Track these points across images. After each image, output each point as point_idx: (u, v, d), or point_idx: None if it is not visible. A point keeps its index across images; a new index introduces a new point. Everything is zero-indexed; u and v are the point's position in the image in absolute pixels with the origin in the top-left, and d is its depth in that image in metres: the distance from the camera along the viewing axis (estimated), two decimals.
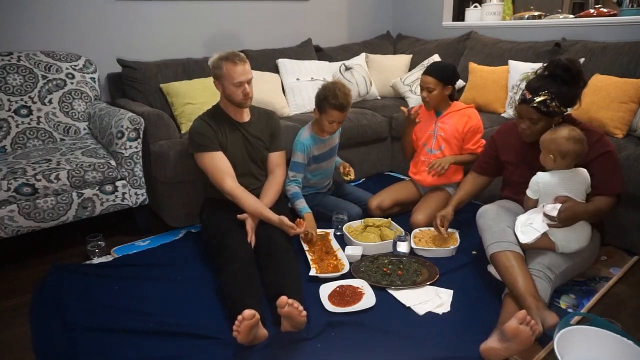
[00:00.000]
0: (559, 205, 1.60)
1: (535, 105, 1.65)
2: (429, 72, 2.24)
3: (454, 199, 2.09)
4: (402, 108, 2.42)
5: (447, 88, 2.25)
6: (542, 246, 1.68)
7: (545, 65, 1.70)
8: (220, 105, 2.09)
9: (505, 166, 1.95)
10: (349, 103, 2.18)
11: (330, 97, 2.13)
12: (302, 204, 2.24)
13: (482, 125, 2.32)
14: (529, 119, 1.70)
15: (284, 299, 1.45)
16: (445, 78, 2.21)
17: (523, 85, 2.66)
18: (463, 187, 2.11)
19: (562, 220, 1.59)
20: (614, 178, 1.67)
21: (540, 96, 1.64)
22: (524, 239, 1.66)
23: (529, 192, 1.70)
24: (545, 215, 1.63)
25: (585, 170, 1.66)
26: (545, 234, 1.65)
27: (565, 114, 1.72)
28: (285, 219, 1.90)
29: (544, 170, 1.69)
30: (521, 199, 1.77)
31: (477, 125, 2.29)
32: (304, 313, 1.49)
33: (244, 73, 1.94)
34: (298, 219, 2.05)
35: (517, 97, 2.66)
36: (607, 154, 1.67)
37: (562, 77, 1.63)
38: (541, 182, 1.65)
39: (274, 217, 1.92)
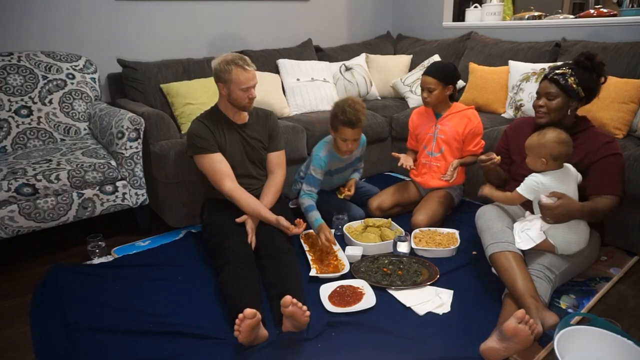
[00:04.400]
0: (554, 199, 1.59)
1: (554, 76, 1.70)
2: (429, 72, 2.22)
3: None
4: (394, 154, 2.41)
5: (448, 88, 2.23)
6: (542, 248, 1.68)
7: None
8: (218, 107, 2.08)
9: (513, 159, 1.95)
10: (358, 119, 2.05)
11: (339, 113, 2.04)
12: (315, 216, 2.09)
13: (482, 127, 2.31)
14: (546, 93, 1.72)
15: (288, 298, 1.45)
16: (446, 77, 2.20)
17: (523, 85, 2.66)
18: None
19: (555, 216, 1.57)
20: (614, 180, 1.67)
21: (560, 69, 1.71)
22: (520, 245, 1.67)
23: (523, 192, 1.67)
24: (540, 203, 1.60)
25: (571, 166, 1.68)
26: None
27: (579, 112, 1.75)
28: (282, 219, 1.90)
29: None
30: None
31: (477, 127, 2.28)
32: (307, 313, 1.49)
33: (252, 78, 1.95)
34: (298, 219, 2.04)
35: (517, 97, 2.68)
36: (614, 155, 1.67)
37: (584, 64, 1.70)
38: (539, 182, 1.64)
39: (271, 217, 1.92)
